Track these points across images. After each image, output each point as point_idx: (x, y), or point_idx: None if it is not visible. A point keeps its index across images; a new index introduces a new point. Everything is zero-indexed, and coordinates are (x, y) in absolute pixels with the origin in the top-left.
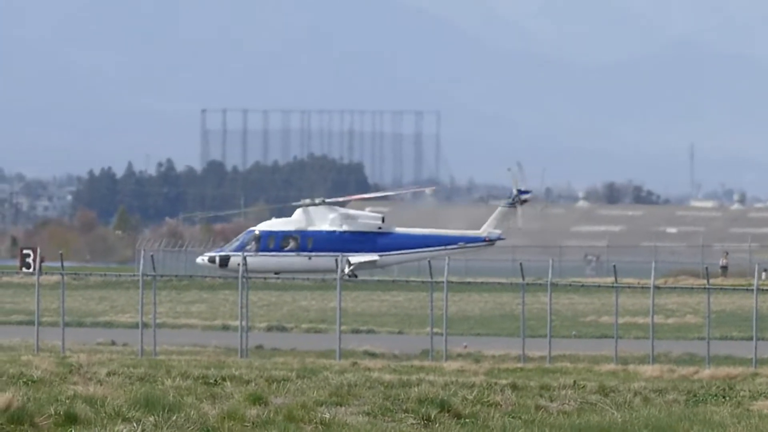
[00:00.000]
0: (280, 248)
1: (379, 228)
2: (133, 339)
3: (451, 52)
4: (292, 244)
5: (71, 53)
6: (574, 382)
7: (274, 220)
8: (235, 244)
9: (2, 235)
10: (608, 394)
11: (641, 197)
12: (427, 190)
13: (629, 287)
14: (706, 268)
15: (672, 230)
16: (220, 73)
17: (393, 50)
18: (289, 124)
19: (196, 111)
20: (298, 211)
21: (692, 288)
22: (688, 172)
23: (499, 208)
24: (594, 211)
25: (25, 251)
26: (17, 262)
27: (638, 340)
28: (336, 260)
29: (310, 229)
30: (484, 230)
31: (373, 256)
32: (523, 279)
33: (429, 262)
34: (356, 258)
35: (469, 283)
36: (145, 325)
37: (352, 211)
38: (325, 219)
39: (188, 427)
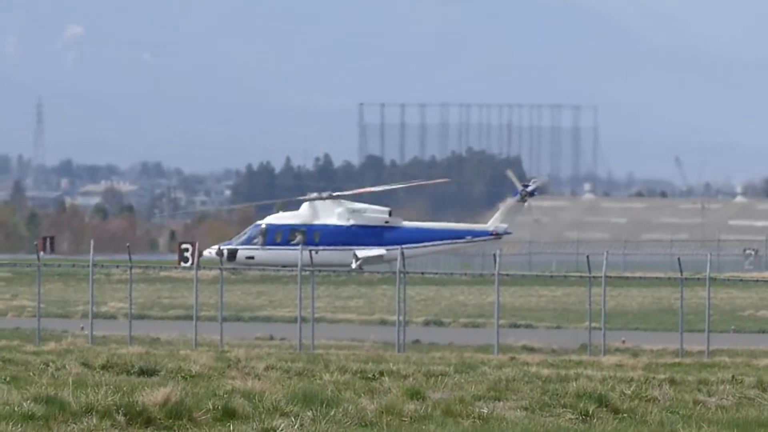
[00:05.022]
0: (286, 242)
1: (387, 222)
2: (291, 333)
3: (609, 46)
4: (298, 238)
5: (229, 48)
6: (733, 376)
7: (281, 214)
8: (243, 237)
9: (161, 229)
10: (767, 389)
11: None
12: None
13: None
14: None
15: None
16: (378, 68)
17: (551, 44)
18: (448, 119)
19: (354, 105)
20: (305, 205)
21: None
22: None
23: (507, 202)
24: (752, 206)
25: (183, 246)
26: (176, 257)
27: None
28: (344, 254)
29: (317, 222)
30: (491, 224)
31: (380, 251)
32: (682, 274)
33: (587, 257)
34: (363, 252)
35: (627, 277)
36: (303, 320)
37: (359, 205)
38: (332, 213)
39: (346, 422)
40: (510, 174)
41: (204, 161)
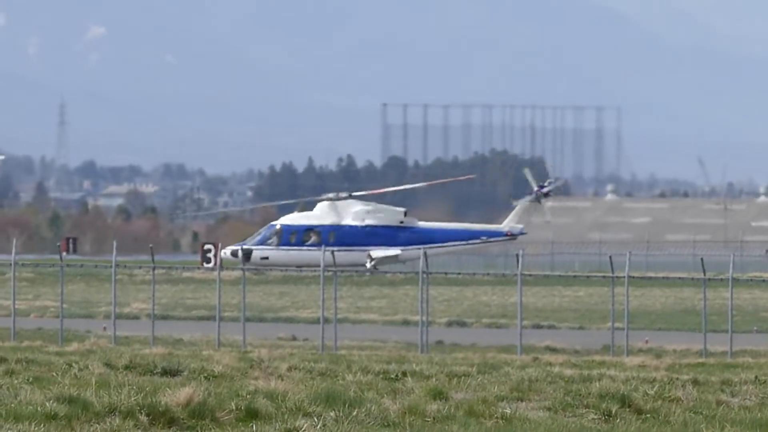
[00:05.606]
0: (301, 243)
1: (401, 222)
2: (314, 334)
3: (631, 47)
4: (313, 238)
5: (252, 49)
6: (756, 377)
7: (296, 214)
8: (257, 237)
9: (184, 230)
10: None
11: None
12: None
13: None
14: None
15: None
16: (400, 69)
17: (574, 45)
18: (470, 119)
19: (377, 106)
20: (320, 206)
21: None
22: None
23: (522, 203)
24: None
25: (206, 246)
26: (198, 258)
27: None
28: (359, 254)
29: (332, 223)
30: (506, 225)
31: (395, 251)
32: (705, 274)
33: (610, 257)
34: (378, 252)
35: (650, 278)
36: (326, 320)
37: (373, 205)
38: (347, 213)
39: (369, 422)
40: (527, 173)
41: (227, 162)
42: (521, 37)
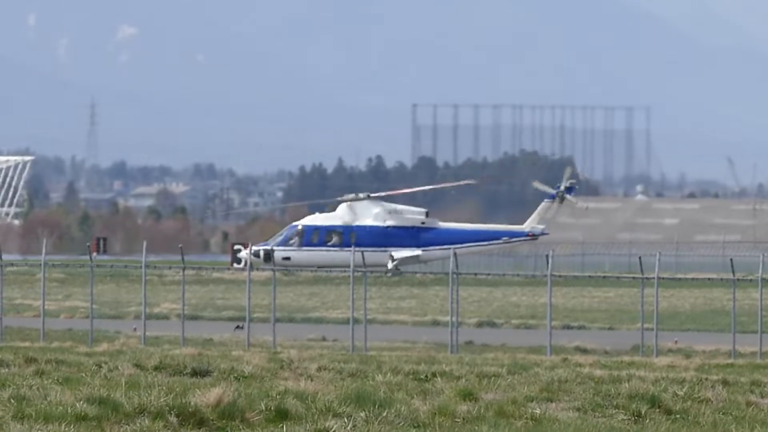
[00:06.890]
0: (323, 243)
1: (423, 223)
2: (343, 335)
3: (662, 48)
4: (335, 239)
5: (282, 49)
6: None
7: (317, 215)
8: (279, 238)
9: (214, 230)
10: None
11: None
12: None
13: None
14: None
15: None
16: (430, 70)
17: (604, 46)
18: (500, 120)
19: (407, 106)
20: (342, 206)
21: None
22: None
23: (543, 204)
24: None
25: (236, 246)
26: (228, 258)
27: None
28: (381, 255)
29: (354, 223)
30: (528, 225)
31: (416, 251)
32: (734, 275)
33: (640, 258)
34: (399, 253)
35: (679, 278)
36: (355, 321)
37: (395, 206)
38: (368, 214)
39: (399, 423)
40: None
41: (256, 162)
42: (551, 37)
